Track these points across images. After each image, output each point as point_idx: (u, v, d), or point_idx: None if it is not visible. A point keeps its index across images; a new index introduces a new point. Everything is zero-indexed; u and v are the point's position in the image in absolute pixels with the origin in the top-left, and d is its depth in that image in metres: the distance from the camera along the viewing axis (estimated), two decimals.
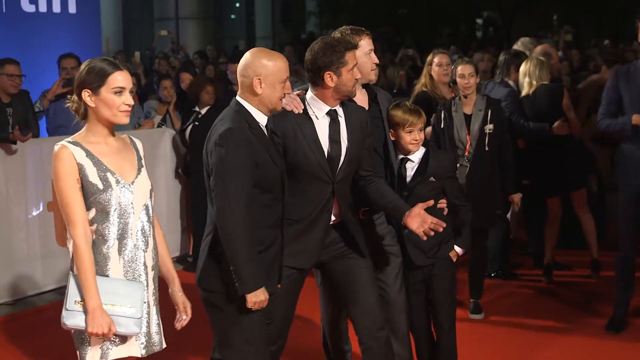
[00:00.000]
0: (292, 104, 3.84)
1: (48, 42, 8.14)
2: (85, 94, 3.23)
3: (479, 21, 30.29)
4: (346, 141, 3.89)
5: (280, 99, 3.61)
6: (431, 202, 3.95)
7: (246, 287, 3.46)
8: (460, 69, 5.83)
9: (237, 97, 3.63)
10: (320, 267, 4.11)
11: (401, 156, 4.33)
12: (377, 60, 4.23)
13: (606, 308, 5.83)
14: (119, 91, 3.23)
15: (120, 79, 3.23)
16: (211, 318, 3.67)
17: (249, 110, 3.58)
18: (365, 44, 4.19)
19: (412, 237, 4.29)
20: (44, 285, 6.64)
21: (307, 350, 5.16)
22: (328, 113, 3.89)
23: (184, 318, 3.49)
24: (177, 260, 7.72)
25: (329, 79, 3.81)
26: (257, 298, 3.48)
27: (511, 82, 6.74)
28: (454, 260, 4.44)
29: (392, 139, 4.30)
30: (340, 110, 3.92)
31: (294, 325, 4.05)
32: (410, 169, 4.32)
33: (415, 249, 4.34)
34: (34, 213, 6.69)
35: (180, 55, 15.55)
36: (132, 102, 3.28)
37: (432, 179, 4.27)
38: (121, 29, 24.51)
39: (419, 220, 3.83)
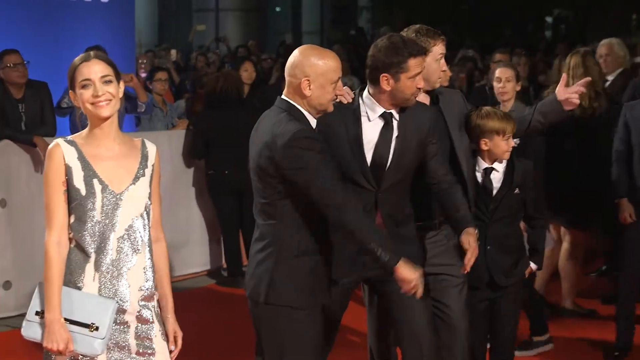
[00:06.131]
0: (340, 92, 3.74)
1: (79, 32, 8.24)
2: (72, 95, 3.25)
3: (549, 19, 29.95)
4: (394, 148, 3.84)
5: (331, 101, 3.57)
6: None
7: (393, 258, 3.47)
8: (498, 72, 5.86)
9: (284, 97, 3.58)
10: (370, 285, 4.11)
11: (485, 165, 4.31)
12: (445, 67, 4.18)
13: None
14: (85, 84, 3.16)
15: (85, 71, 3.17)
16: (271, 334, 3.62)
17: (301, 111, 3.54)
18: (438, 49, 4.12)
19: (493, 255, 4.30)
20: None
21: None
22: (382, 115, 3.85)
23: (172, 349, 3.34)
24: (209, 274, 7.74)
25: (385, 82, 3.78)
26: (409, 272, 3.49)
27: None
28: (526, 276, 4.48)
29: (486, 148, 4.25)
30: (396, 114, 3.88)
31: (338, 343, 4.04)
32: (497, 180, 4.30)
33: (496, 269, 4.34)
34: None
35: (220, 50, 15.56)
36: (101, 92, 3.15)
37: (517, 190, 4.31)
38: (157, 20, 24.72)
39: (473, 248, 3.84)
